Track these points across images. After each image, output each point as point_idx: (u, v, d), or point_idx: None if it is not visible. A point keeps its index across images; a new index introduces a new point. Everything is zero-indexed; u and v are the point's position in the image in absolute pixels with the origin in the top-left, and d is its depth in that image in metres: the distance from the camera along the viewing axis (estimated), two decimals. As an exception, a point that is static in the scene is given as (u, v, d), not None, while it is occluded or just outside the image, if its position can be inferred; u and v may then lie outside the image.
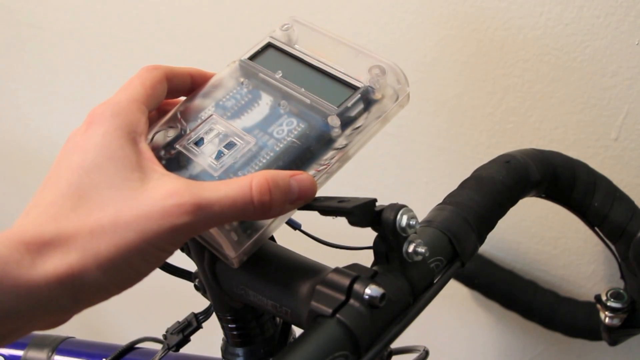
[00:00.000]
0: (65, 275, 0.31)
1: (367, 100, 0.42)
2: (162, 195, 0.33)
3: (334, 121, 0.40)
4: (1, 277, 0.29)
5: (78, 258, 0.31)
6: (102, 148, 0.35)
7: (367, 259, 0.40)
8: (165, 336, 0.54)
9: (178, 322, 0.55)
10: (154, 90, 0.40)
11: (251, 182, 0.35)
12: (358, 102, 0.41)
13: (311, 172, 0.39)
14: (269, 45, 0.47)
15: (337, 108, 0.40)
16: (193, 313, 0.54)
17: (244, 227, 0.38)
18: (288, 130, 0.41)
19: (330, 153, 0.40)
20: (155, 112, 0.44)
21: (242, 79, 0.45)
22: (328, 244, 0.45)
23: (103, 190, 0.34)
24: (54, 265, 0.31)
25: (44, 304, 0.31)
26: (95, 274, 0.32)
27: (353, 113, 0.41)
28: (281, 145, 0.40)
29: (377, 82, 0.42)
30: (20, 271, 0.30)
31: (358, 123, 0.41)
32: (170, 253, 0.34)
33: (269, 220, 0.39)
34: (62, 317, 0.33)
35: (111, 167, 0.35)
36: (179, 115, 0.43)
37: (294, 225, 0.45)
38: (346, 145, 0.41)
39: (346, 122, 0.41)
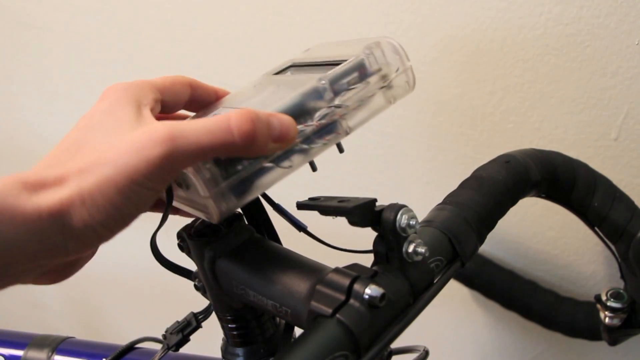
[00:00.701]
0: (55, 210, 0.33)
1: (363, 70, 0.42)
2: (142, 132, 0.35)
3: (324, 83, 0.40)
4: (2, 208, 0.32)
5: (67, 195, 0.33)
6: (106, 111, 0.38)
7: (367, 258, 0.40)
8: (164, 336, 0.54)
9: (177, 321, 0.55)
10: (172, 85, 0.43)
11: (229, 115, 0.35)
12: (350, 71, 0.42)
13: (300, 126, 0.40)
14: (291, 66, 0.50)
15: (327, 74, 0.41)
16: (192, 313, 0.54)
17: (220, 165, 0.38)
18: (281, 97, 0.41)
19: (322, 111, 0.40)
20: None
21: (256, 84, 0.47)
22: (333, 247, 0.45)
23: (98, 139, 0.36)
24: (46, 200, 0.33)
25: (38, 236, 0.33)
26: (80, 209, 0.33)
27: (345, 79, 0.41)
28: (272, 107, 0.40)
29: (372, 53, 0.42)
30: (17, 203, 0.32)
31: (353, 88, 0.42)
32: (150, 190, 0.35)
33: (247, 164, 0.39)
34: (57, 255, 0.35)
35: (110, 122, 0.37)
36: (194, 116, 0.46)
37: (299, 226, 0.45)
38: (340, 107, 0.41)
39: (339, 88, 0.41)
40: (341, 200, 0.38)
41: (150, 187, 0.34)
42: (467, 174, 0.50)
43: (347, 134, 0.42)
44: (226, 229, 0.44)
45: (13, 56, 1.10)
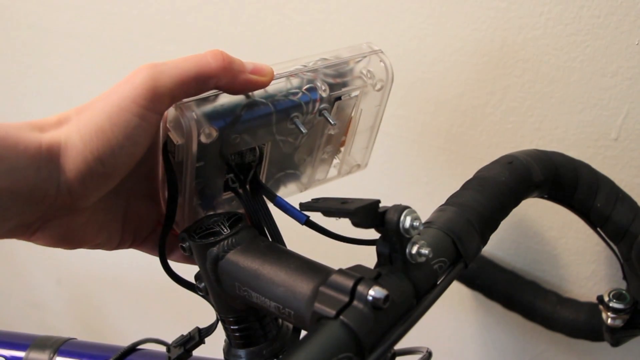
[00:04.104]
0: (54, 142, 0.38)
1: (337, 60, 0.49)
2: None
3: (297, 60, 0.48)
4: (7, 136, 0.36)
5: (65, 130, 0.38)
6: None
7: (370, 260, 0.40)
8: (169, 348, 0.54)
9: (182, 335, 0.55)
10: None
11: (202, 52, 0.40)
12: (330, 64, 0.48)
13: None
14: None
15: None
16: (197, 327, 0.54)
17: (197, 102, 0.42)
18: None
19: (294, 68, 0.46)
20: None
21: None
22: (337, 237, 0.45)
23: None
24: (49, 136, 0.38)
25: (35, 165, 0.37)
26: (75, 140, 0.38)
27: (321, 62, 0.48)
28: None
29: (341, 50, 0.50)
30: (21, 135, 0.37)
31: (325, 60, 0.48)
32: (136, 117, 0.38)
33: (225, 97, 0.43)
34: (50, 188, 0.38)
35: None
36: None
37: (299, 218, 0.44)
38: (307, 67, 0.47)
39: (315, 66, 0.48)
40: (344, 201, 0.38)
41: (135, 113, 0.38)
42: (467, 174, 0.50)
43: (324, 92, 0.46)
44: (229, 230, 0.44)
45: (13, 56, 1.09)
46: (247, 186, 0.47)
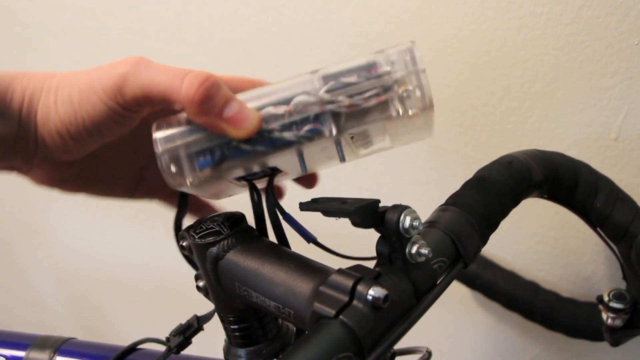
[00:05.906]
0: (36, 95, 0.39)
1: (363, 73, 0.39)
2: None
3: (314, 73, 0.39)
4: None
5: (47, 85, 0.39)
6: None
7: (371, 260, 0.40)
8: (168, 338, 0.54)
9: (180, 324, 0.55)
10: (241, 83, 0.44)
11: (191, 70, 0.37)
12: (350, 71, 0.39)
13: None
14: None
15: (324, 68, 0.40)
16: (195, 315, 0.54)
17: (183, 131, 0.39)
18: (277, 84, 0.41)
19: (300, 98, 0.38)
20: None
21: None
22: (344, 257, 0.44)
23: None
24: (32, 86, 0.39)
25: (17, 117, 0.38)
26: (50, 99, 0.38)
27: (342, 77, 0.39)
28: (258, 92, 0.40)
29: (375, 58, 0.40)
30: (13, 85, 0.38)
31: (348, 85, 0.39)
32: (101, 103, 0.38)
33: (209, 138, 0.39)
34: (29, 143, 0.39)
35: None
36: None
37: (307, 237, 0.43)
38: (324, 99, 0.38)
39: (332, 85, 0.39)
40: (344, 201, 0.38)
41: (102, 99, 0.38)
42: (467, 173, 0.50)
43: (331, 134, 0.38)
44: (229, 230, 0.44)
45: (13, 57, 1.09)
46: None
